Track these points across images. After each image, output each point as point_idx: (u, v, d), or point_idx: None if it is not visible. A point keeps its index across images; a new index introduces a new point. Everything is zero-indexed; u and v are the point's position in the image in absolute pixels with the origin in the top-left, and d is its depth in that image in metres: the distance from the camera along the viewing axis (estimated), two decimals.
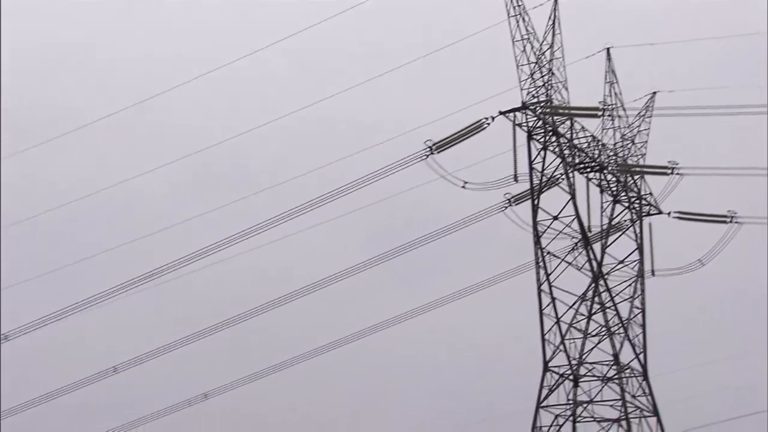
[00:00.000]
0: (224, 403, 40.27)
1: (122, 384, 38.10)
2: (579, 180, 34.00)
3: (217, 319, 35.98)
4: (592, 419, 32.37)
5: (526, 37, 32.68)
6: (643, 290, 34.72)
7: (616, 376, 32.41)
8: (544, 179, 32.89)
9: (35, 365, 50.04)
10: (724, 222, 35.80)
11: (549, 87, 33.05)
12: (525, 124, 32.90)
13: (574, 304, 32.92)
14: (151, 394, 43.16)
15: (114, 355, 37.25)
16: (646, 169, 35.44)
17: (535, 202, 32.89)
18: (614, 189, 34.91)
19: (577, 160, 33.95)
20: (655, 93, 35.92)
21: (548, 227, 32.96)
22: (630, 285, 34.42)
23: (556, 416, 32.31)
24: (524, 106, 32.78)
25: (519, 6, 32.56)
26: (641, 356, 33.93)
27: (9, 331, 34.90)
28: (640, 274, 34.74)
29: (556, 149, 33.03)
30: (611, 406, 32.39)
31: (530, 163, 33.07)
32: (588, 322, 32.88)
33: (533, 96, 32.87)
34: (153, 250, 37.67)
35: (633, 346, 33.93)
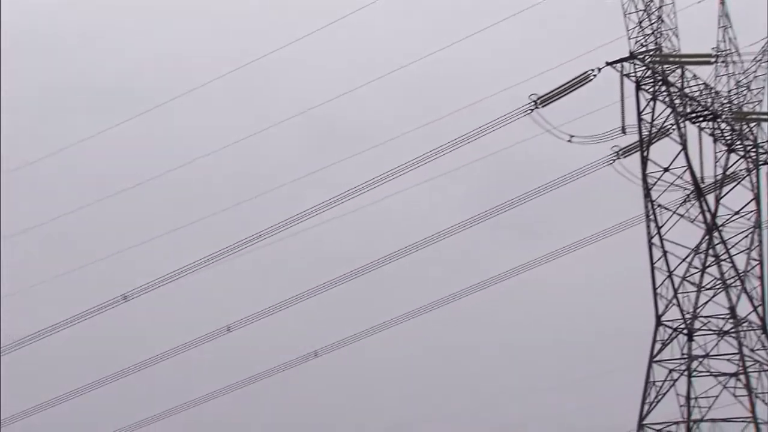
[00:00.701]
0: (335, 360, 40.68)
1: (235, 342, 38.65)
2: (690, 130, 33.04)
3: (326, 278, 36.24)
4: (708, 374, 31.70)
5: None
6: (760, 241, 33.75)
7: (732, 330, 31.64)
8: (654, 130, 32.09)
9: (153, 325, 51.35)
10: None
11: (658, 35, 32.13)
12: (633, 74, 32.09)
13: (687, 257, 32.19)
14: (263, 353, 43.91)
15: (228, 315, 37.78)
16: (763, 117, 34.24)
17: (645, 154, 32.14)
18: (728, 138, 33.85)
19: (688, 110, 33.00)
20: None
21: (658, 179, 32.22)
22: (746, 236, 33.46)
23: (670, 371, 31.75)
24: (632, 56, 31.95)
25: None
26: (760, 309, 33.01)
27: (129, 291, 35.66)
28: (758, 225, 33.75)
29: (666, 99, 32.15)
30: (728, 360, 31.66)
31: (639, 114, 32.28)
32: (702, 276, 32.12)
33: (641, 45, 32.01)
34: (267, 209, 37.96)
35: (751, 299, 33.03)
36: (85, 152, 44.49)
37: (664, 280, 32.05)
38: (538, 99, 32.29)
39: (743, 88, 34.60)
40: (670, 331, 31.93)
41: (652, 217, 32.13)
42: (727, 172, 33.81)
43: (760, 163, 34.50)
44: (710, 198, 33.06)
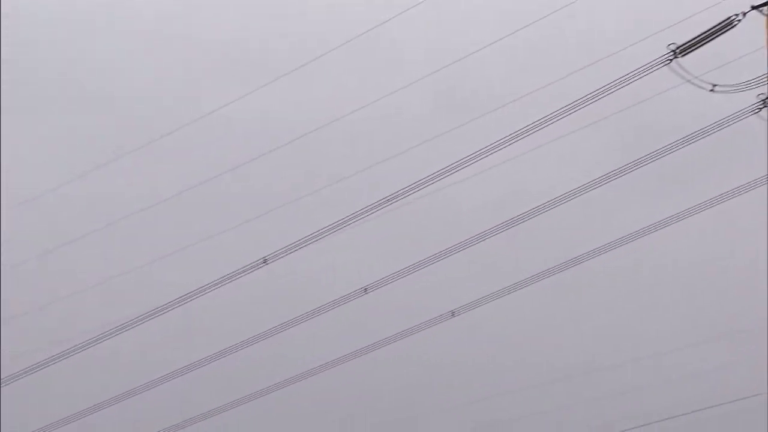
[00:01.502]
0: (471, 320, 40.69)
1: (371, 304, 38.97)
2: None
3: (459, 237, 36.17)
4: None
5: None
6: None
7: None
8: None
9: (292, 288, 52.11)
10: None
11: None
12: None
13: None
14: (397, 314, 44.20)
15: (363, 277, 38.09)
16: None
17: None
18: None
19: None
20: None
21: None
22: None
23: None
24: None
25: None
26: None
27: (269, 254, 36.23)
28: None
29: None
30: None
31: None
32: None
33: None
34: (400, 170, 38.04)
35: None
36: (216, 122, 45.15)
37: None
38: (678, 48, 31.35)
39: None
40: None
41: None
42: None
43: None
44: None
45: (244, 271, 36.52)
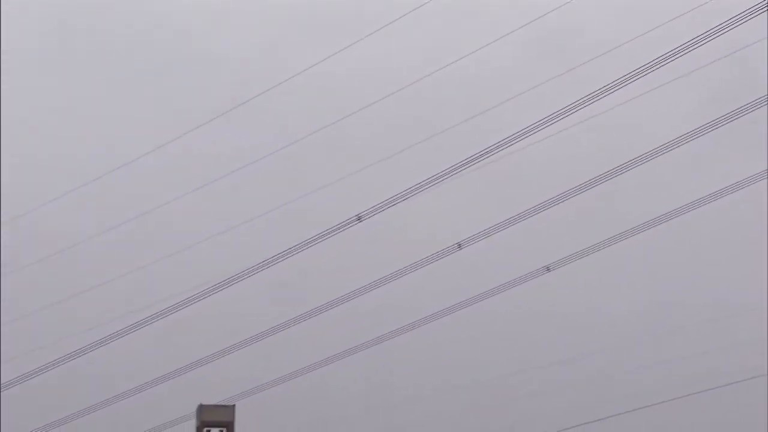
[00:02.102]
0: (566, 276, 40.62)
1: (465, 260, 39.10)
2: None
3: (553, 192, 36.04)
4: None
5: None
6: None
7: None
8: None
9: (385, 244, 52.53)
10: None
11: None
12: None
13: None
14: (491, 270, 44.29)
15: (458, 233, 38.23)
16: None
17: None
18: None
19: None
20: None
21: None
22: None
23: None
24: None
25: None
26: None
27: (363, 211, 36.60)
28: None
29: None
30: None
31: None
32: None
33: None
34: (495, 124, 37.97)
35: None
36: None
37: None
38: None
39: None
40: None
41: None
42: None
43: None
44: None
45: (339, 229, 36.92)
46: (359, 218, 36.48)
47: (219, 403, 57.53)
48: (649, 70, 31.57)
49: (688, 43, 31.21)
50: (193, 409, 58.44)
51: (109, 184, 49.07)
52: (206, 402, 57.63)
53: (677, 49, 31.37)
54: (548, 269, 38.11)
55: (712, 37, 31.11)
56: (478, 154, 34.40)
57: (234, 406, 58.11)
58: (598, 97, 32.41)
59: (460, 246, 37.25)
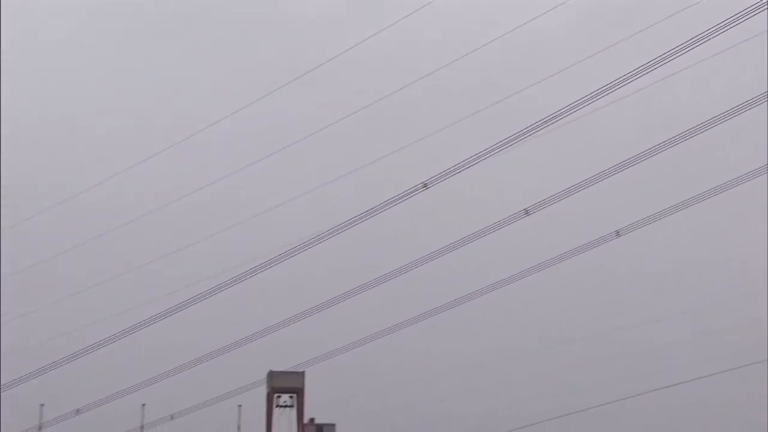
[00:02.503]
0: (637, 241, 40.17)
1: (535, 224, 38.87)
2: None
3: (622, 157, 35.57)
4: None
5: None
6: None
7: None
8: None
9: (454, 211, 52.58)
10: None
11: None
12: None
13: None
14: (559, 236, 44.05)
15: (528, 197, 37.95)
16: None
17: None
18: None
19: None
20: None
21: None
22: None
23: None
24: None
25: None
26: None
27: (429, 177, 36.38)
28: None
29: None
30: None
31: None
32: None
33: None
34: (565, 87, 37.50)
35: None
36: None
37: None
38: None
39: None
40: None
41: None
42: None
43: None
44: None
45: (405, 196, 36.93)
46: (425, 185, 36.42)
47: (289, 370, 58.42)
48: (713, 35, 30.88)
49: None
50: (264, 375, 59.43)
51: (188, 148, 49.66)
52: (276, 369, 58.70)
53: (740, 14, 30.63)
54: (618, 234, 37.72)
55: None
56: (545, 120, 34.05)
57: (304, 372, 58.91)
58: (667, 60, 31.82)
59: (527, 212, 37.01)
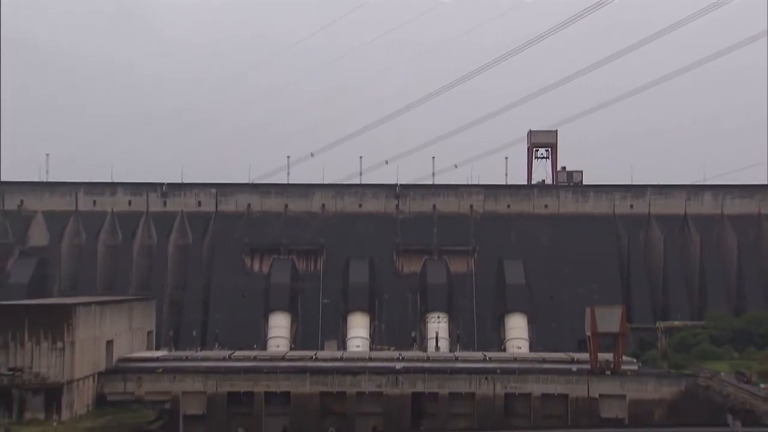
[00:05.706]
0: None
1: None
2: None
3: None
4: None
5: None
6: None
7: None
8: None
9: None
10: None
11: None
12: None
13: None
14: None
15: None
16: None
17: None
18: None
19: None
20: None
21: None
22: None
23: None
24: None
25: None
26: None
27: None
28: None
29: None
30: None
31: None
32: None
33: None
34: None
35: None
36: None
37: None
38: None
39: None
40: None
41: None
42: None
43: None
44: None
45: None
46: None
47: (545, 129, 71.24)
48: None
49: None
50: (525, 133, 72.38)
51: None
52: (534, 129, 71.17)
53: None
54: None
55: None
56: None
57: (557, 130, 71.27)
58: None
59: None
